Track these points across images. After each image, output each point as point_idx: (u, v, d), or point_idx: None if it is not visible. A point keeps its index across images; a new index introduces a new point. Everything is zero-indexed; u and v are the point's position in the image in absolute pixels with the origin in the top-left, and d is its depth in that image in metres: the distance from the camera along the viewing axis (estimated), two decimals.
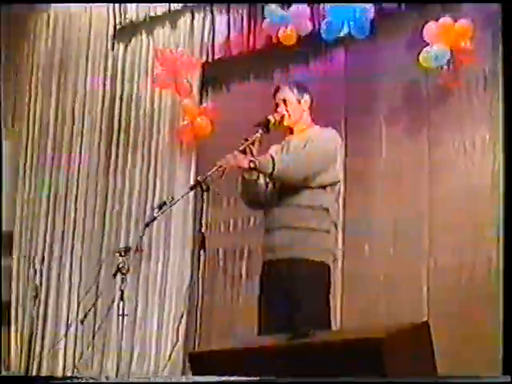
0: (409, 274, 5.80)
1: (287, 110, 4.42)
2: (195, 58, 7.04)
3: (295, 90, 4.46)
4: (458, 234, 5.65)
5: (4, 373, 6.26)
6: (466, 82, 5.80)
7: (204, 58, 7.09)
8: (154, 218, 4.43)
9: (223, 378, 2.66)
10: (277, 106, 4.45)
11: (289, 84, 4.53)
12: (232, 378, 2.63)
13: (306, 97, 4.48)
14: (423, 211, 5.84)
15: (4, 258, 7.36)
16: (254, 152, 4.25)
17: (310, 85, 4.65)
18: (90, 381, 2.75)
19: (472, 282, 5.53)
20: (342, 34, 6.18)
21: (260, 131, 4.28)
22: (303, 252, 4.21)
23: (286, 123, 4.43)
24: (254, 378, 2.62)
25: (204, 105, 7.07)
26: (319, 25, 6.25)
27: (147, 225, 4.54)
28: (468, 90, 5.80)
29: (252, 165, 4.17)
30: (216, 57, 7.05)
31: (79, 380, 2.58)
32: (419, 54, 5.74)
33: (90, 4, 7.84)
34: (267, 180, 4.40)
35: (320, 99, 4.76)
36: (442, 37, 5.68)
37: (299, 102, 4.45)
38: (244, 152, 4.22)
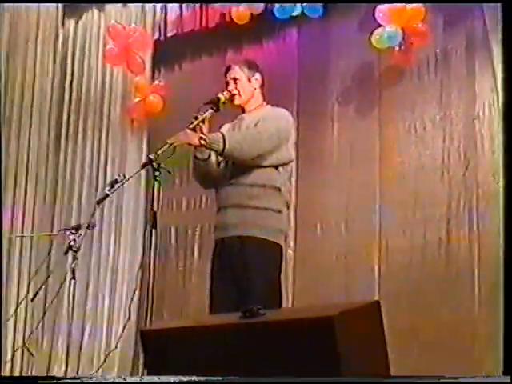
0: (360, 253, 5.85)
1: (237, 89, 4.42)
2: (148, 35, 6.99)
3: (246, 69, 4.46)
4: (408, 213, 5.71)
5: None
6: (418, 62, 5.84)
7: (156, 35, 7.03)
8: (106, 196, 4.38)
9: (221, 378, 2.67)
10: (227, 84, 4.45)
11: (239, 63, 4.53)
12: (232, 378, 2.64)
13: (257, 75, 4.48)
14: (374, 191, 5.89)
15: None
16: (205, 130, 4.24)
17: (262, 64, 4.65)
18: (93, 380, 2.73)
19: (423, 262, 5.60)
20: (295, 14, 6.18)
21: (210, 110, 4.28)
22: (254, 230, 4.23)
23: (236, 102, 4.43)
24: (254, 378, 2.62)
25: (156, 82, 7.02)
26: (272, 3, 6.24)
27: (99, 202, 4.49)
28: (419, 71, 5.85)
29: (202, 142, 4.17)
30: (168, 34, 7.01)
31: (80, 380, 2.57)
32: (371, 34, 5.77)
33: None
34: (219, 159, 4.40)
35: (273, 78, 4.76)
36: (395, 18, 5.72)
37: (250, 81, 4.45)
38: (194, 130, 4.22)
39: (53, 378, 2.74)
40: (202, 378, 2.66)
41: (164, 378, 2.77)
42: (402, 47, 5.77)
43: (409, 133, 5.83)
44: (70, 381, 2.67)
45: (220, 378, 2.68)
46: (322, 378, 2.68)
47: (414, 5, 5.70)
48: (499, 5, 4.59)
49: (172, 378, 2.65)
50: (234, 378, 2.68)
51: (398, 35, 5.72)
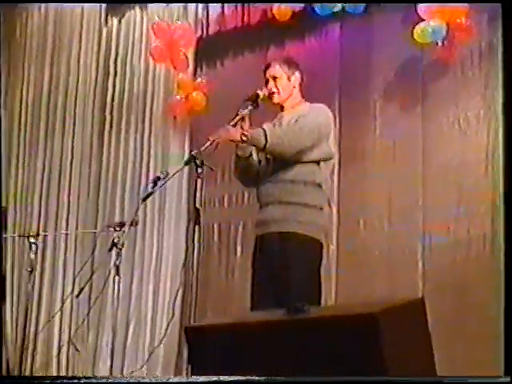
0: (404, 250, 5.81)
1: (277, 87, 4.43)
2: (192, 32, 7.00)
3: (285, 67, 4.46)
4: (452, 210, 5.66)
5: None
6: (461, 57, 5.79)
7: (199, 32, 7.06)
8: (150, 193, 4.42)
9: (223, 378, 2.68)
10: (267, 82, 4.45)
11: (279, 61, 4.53)
12: (233, 378, 2.64)
13: (297, 74, 4.48)
14: (417, 187, 5.84)
15: None
16: (246, 127, 4.26)
17: (304, 61, 4.64)
18: (99, 380, 2.75)
19: (467, 258, 5.55)
20: (335, 10, 6.16)
21: (250, 106, 4.29)
22: (295, 226, 4.23)
23: (275, 100, 4.44)
24: (256, 378, 2.63)
25: (198, 80, 7.04)
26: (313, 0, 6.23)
27: (144, 199, 4.53)
28: (463, 66, 5.79)
29: (244, 137, 4.19)
30: (210, 32, 7.02)
31: (80, 381, 2.58)
32: (414, 29, 5.72)
33: None
34: (260, 157, 4.41)
35: (314, 75, 4.76)
36: (438, 12, 5.67)
37: (289, 79, 4.46)
38: (235, 127, 4.23)
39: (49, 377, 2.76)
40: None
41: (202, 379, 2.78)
42: (445, 42, 5.72)
43: (452, 128, 5.77)
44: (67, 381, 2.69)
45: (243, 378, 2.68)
46: (367, 376, 2.67)
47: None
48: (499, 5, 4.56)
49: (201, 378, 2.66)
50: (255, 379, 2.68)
51: (442, 30, 5.67)
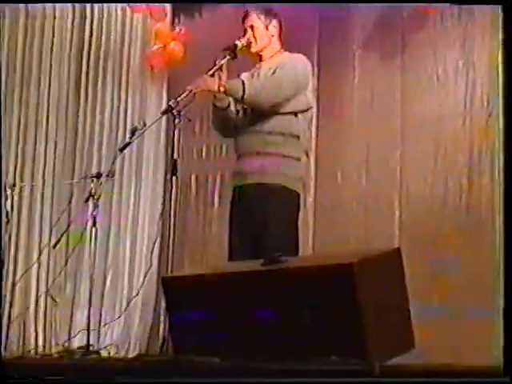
0: (381, 201, 5.84)
1: (254, 36, 4.39)
2: None
3: (262, 16, 4.42)
4: (429, 161, 5.68)
5: None
6: (441, 8, 5.76)
7: None
8: (128, 144, 4.39)
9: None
10: (245, 31, 4.41)
11: (256, 10, 4.48)
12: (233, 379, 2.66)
13: (274, 22, 4.44)
14: (395, 139, 5.85)
15: None
16: (223, 78, 4.22)
17: (282, 10, 4.59)
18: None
19: (444, 209, 5.58)
20: None
21: (227, 56, 4.25)
22: (272, 177, 4.22)
23: (253, 49, 4.40)
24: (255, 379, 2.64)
25: (177, 29, 6.97)
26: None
27: (121, 150, 4.49)
28: (442, 17, 5.77)
29: (222, 88, 4.17)
30: None
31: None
32: None
33: None
34: (238, 108, 4.39)
35: (292, 25, 4.72)
36: None
37: (267, 28, 4.42)
38: (213, 76, 4.20)
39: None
40: None
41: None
42: None
43: (431, 80, 5.77)
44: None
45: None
46: (343, 323, 2.69)
47: None
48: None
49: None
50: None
51: None
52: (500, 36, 5.16)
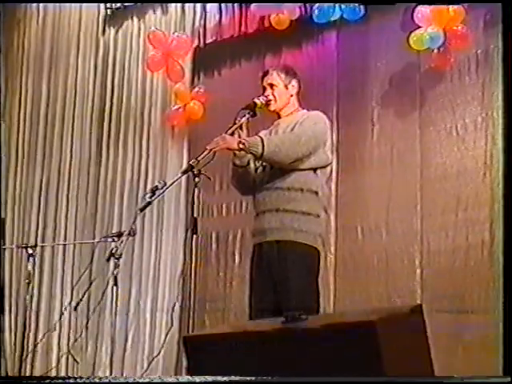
0: (402, 256, 5.80)
1: (274, 95, 4.43)
2: (188, 42, 6.99)
3: (283, 75, 4.46)
4: (450, 216, 5.65)
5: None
6: (458, 63, 5.78)
7: (196, 42, 7.05)
8: (148, 203, 4.41)
9: (224, 378, 2.66)
10: (264, 90, 4.45)
11: (276, 69, 4.52)
12: (234, 378, 2.63)
13: (294, 82, 4.48)
14: (415, 194, 5.84)
15: None
16: (243, 135, 4.26)
17: (301, 69, 4.64)
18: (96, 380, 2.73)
19: (466, 264, 5.53)
20: (334, 18, 6.16)
21: (247, 114, 4.29)
22: (292, 235, 4.23)
23: (272, 108, 4.44)
24: (253, 378, 2.61)
25: (196, 89, 7.03)
26: (311, 8, 6.22)
27: (142, 209, 4.51)
28: (460, 72, 5.79)
29: (241, 146, 4.19)
30: (207, 41, 7.01)
31: (77, 380, 2.56)
32: (410, 35, 5.72)
33: None
34: (257, 165, 4.41)
35: (312, 83, 4.76)
36: (436, 20, 5.66)
37: (286, 87, 4.46)
38: (232, 135, 4.23)
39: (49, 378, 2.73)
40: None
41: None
42: (442, 49, 5.71)
43: (450, 134, 5.77)
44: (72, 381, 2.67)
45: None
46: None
47: (455, 6, 5.63)
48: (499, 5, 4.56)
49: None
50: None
51: (440, 37, 5.65)
52: (498, 41, 5.19)
